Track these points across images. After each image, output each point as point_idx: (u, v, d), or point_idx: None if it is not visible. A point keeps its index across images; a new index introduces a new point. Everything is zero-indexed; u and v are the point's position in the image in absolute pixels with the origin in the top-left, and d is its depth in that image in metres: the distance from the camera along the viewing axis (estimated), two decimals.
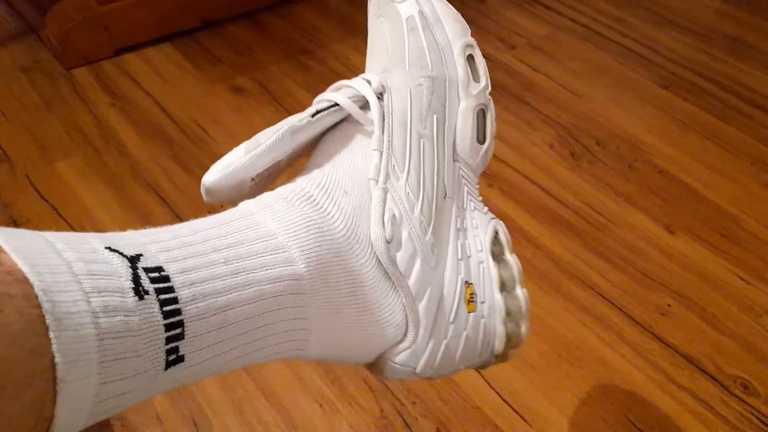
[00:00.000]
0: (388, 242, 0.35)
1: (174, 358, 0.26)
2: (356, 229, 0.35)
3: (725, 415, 0.78)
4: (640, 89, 1.29)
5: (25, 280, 0.22)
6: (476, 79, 0.44)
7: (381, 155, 0.38)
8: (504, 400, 0.78)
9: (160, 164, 1.05)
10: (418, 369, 0.38)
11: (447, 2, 0.45)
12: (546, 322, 0.87)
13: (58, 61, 1.24)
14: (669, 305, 0.90)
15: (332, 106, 0.39)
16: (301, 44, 1.35)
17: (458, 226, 0.41)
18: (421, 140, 0.39)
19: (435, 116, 0.40)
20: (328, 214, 0.34)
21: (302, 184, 0.36)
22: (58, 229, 0.93)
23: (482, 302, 0.40)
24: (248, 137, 1.19)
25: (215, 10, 1.37)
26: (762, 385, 0.81)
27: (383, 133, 0.38)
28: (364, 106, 0.40)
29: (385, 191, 0.37)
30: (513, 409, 0.77)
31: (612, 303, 0.89)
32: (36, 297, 0.22)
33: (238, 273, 0.29)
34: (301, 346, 0.33)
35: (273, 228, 0.32)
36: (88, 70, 1.24)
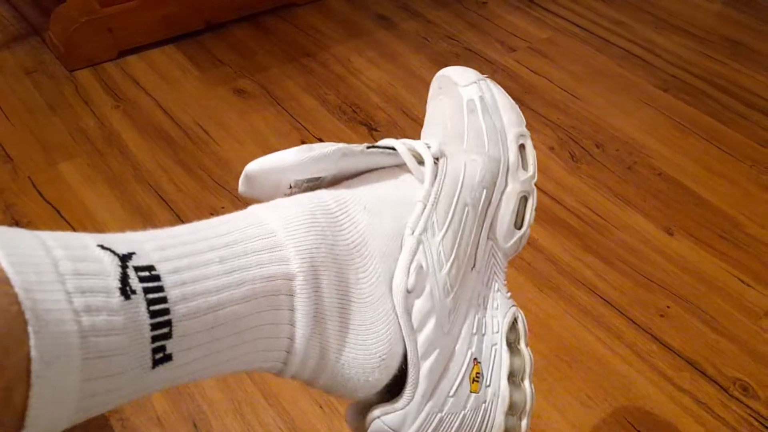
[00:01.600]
0: (408, 291, 0.35)
1: (161, 357, 0.26)
2: (366, 246, 0.35)
3: (724, 417, 0.78)
4: (639, 92, 1.30)
5: (6, 280, 0.22)
6: (525, 167, 0.45)
7: (425, 207, 0.38)
8: None
9: (163, 166, 1.06)
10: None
11: (506, 93, 0.47)
12: (546, 323, 0.87)
13: (62, 63, 1.25)
14: (668, 307, 0.90)
15: (388, 148, 0.39)
16: (303, 47, 1.35)
17: (479, 301, 0.41)
18: (466, 208, 0.40)
19: (485, 191, 0.41)
20: (336, 222, 0.34)
21: (322, 194, 0.36)
22: (60, 229, 0.94)
23: (487, 386, 0.39)
24: (250, 139, 1.19)
25: (218, 13, 1.38)
26: (761, 387, 0.82)
27: (432, 186, 0.39)
28: (419, 162, 0.40)
29: (419, 242, 0.37)
30: None
31: (611, 305, 0.90)
32: (16, 296, 0.22)
33: (232, 272, 0.29)
34: (285, 358, 0.32)
35: (274, 226, 0.32)
36: (91, 72, 1.24)
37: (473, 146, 0.43)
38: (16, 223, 0.95)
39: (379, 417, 0.36)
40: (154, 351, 0.26)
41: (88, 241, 0.26)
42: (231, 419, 0.75)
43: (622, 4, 1.57)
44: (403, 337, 0.36)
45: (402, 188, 0.39)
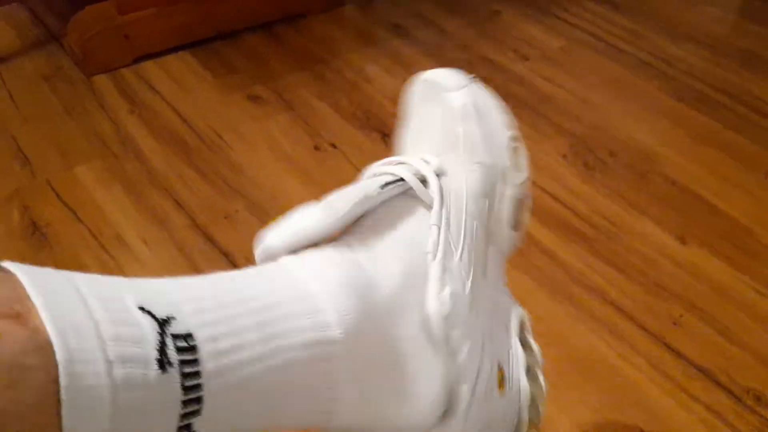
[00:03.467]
0: (445, 318, 0.35)
1: None
2: (402, 297, 0.34)
3: (737, 426, 0.78)
4: (653, 101, 1.30)
5: (48, 346, 0.21)
6: (519, 169, 0.45)
7: (439, 231, 0.38)
8: None
9: (177, 170, 1.07)
10: None
11: (493, 95, 0.47)
12: (558, 331, 0.87)
13: (79, 69, 1.27)
14: (681, 316, 0.90)
15: (397, 180, 0.39)
16: (316, 54, 1.36)
17: (494, 307, 0.41)
18: (474, 221, 0.40)
19: (487, 201, 0.42)
20: (372, 279, 0.34)
21: (349, 245, 0.35)
22: (77, 232, 0.95)
23: (511, 387, 0.40)
24: (264, 144, 1.20)
25: (232, 21, 1.40)
26: None
27: (442, 209, 0.39)
28: (424, 182, 0.40)
29: (444, 267, 0.37)
30: None
31: (624, 313, 0.89)
32: (55, 367, 0.21)
33: (269, 340, 0.28)
34: (327, 417, 0.32)
35: (313, 288, 0.31)
36: (108, 78, 1.26)
37: (469, 155, 0.43)
38: (35, 225, 0.96)
39: None
40: (180, 429, 0.25)
41: (128, 301, 0.25)
42: None
43: (636, 13, 1.57)
44: (444, 373, 0.36)
45: (413, 217, 0.38)
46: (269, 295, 0.30)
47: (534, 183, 1.08)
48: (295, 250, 0.34)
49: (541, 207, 1.04)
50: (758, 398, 0.81)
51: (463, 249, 0.38)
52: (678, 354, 0.85)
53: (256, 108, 1.21)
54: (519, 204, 0.44)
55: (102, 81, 1.25)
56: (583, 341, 0.86)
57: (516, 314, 0.43)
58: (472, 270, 0.38)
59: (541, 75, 1.34)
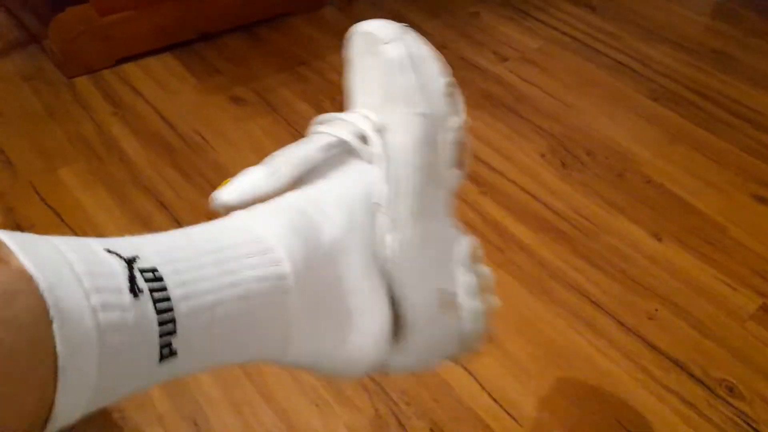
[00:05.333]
0: (392, 261, 0.40)
1: (168, 352, 0.28)
2: (346, 241, 0.38)
3: (711, 417, 0.80)
4: (629, 101, 1.32)
5: (31, 279, 0.24)
6: (456, 114, 0.48)
7: (386, 186, 0.41)
8: (496, 401, 0.80)
9: (161, 171, 1.07)
10: (403, 364, 0.43)
11: (427, 42, 0.49)
12: (537, 326, 0.89)
13: (60, 70, 1.26)
14: (656, 310, 0.92)
15: (339, 140, 0.42)
16: (298, 56, 1.37)
17: (441, 240, 0.45)
18: (418, 172, 0.43)
19: (429, 149, 0.44)
20: (317, 224, 0.37)
21: (296, 198, 0.39)
22: (61, 233, 0.95)
23: (461, 308, 0.45)
24: (247, 145, 1.20)
25: (214, 23, 1.40)
26: (747, 388, 0.84)
27: (388, 164, 0.42)
28: (364, 139, 0.43)
29: (390, 217, 0.41)
30: (505, 410, 0.79)
31: (601, 308, 0.92)
32: (41, 293, 0.24)
33: (226, 273, 0.31)
34: (283, 348, 0.35)
35: (262, 233, 0.34)
36: (90, 79, 1.26)
37: (408, 106, 0.45)
38: (19, 226, 0.96)
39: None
40: (162, 347, 0.28)
41: (94, 246, 0.28)
42: (230, 418, 0.76)
43: (613, 15, 1.60)
44: (388, 311, 0.40)
45: (359, 173, 0.42)
46: (223, 239, 0.33)
47: (513, 182, 1.10)
48: (244, 205, 0.38)
49: (519, 205, 1.06)
50: (731, 389, 0.84)
51: (407, 197, 0.42)
52: (653, 347, 0.88)
53: (239, 109, 1.22)
54: (459, 146, 0.47)
55: (83, 83, 1.25)
56: (561, 336, 0.88)
57: (464, 244, 0.46)
58: (418, 215, 0.42)
59: (519, 76, 1.37)
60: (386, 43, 0.47)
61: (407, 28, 0.49)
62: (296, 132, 1.17)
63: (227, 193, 0.39)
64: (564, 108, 1.29)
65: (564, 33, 1.52)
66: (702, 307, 0.93)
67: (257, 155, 1.12)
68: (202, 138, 1.15)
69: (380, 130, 0.43)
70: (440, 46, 1.56)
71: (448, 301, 0.44)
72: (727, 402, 0.82)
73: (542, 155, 1.17)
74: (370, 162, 0.42)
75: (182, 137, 1.14)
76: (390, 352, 0.41)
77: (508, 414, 0.79)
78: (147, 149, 1.11)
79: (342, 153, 0.42)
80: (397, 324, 0.41)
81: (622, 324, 0.90)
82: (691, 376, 0.85)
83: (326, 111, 1.23)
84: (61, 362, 0.24)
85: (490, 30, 1.50)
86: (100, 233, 0.96)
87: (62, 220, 0.98)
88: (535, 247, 0.99)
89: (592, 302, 0.92)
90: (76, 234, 0.96)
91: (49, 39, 1.27)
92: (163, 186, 1.05)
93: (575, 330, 0.89)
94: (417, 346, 0.42)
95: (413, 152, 0.43)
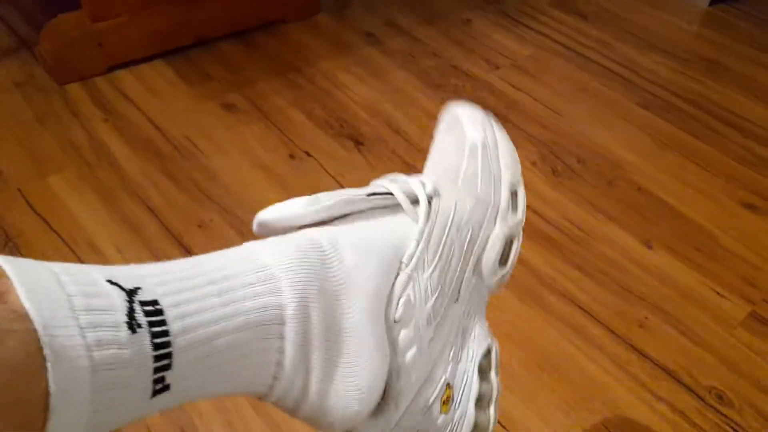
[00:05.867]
0: (395, 321, 0.39)
1: (160, 387, 0.28)
2: (352, 284, 0.37)
3: (700, 425, 0.81)
4: (620, 109, 1.33)
5: (26, 317, 0.24)
6: (515, 211, 0.48)
7: (418, 245, 0.41)
8: None
9: (151, 178, 1.07)
10: None
11: (508, 139, 0.50)
12: (527, 333, 0.89)
13: (52, 77, 1.26)
14: (647, 318, 0.92)
15: (387, 193, 0.42)
16: (290, 63, 1.37)
17: (459, 332, 0.44)
18: (453, 246, 0.43)
19: (471, 230, 0.45)
20: (326, 260, 0.36)
21: (315, 233, 0.38)
22: (50, 241, 0.95)
23: (456, 408, 0.43)
24: (238, 152, 1.20)
25: (206, 29, 1.40)
26: (736, 395, 0.84)
27: (426, 226, 0.42)
28: (414, 201, 0.43)
29: (410, 278, 0.40)
30: None
31: (591, 315, 0.92)
32: (36, 331, 0.24)
33: (228, 304, 0.31)
34: (271, 384, 0.34)
35: (268, 260, 0.34)
36: (81, 86, 1.26)
37: (466, 187, 0.46)
38: (6, 234, 0.95)
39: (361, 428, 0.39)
40: (155, 382, 0.28)
41: (97, 276, 0.28)
42: (220, 429, 0.76)
43: (604, 23, 1.61)
44: (384, 372, 0.38)
45: (393, 228, 0.41)
46: (229, 268, 0.33)
47: None
48: (283, 228, 0.38)
49: None
50: (720, 397, 0.84)
51: (435, 268, 0.41)
52: (643, 355, 0.88)
53: (231, 116, 1.22)
54: (509, 242, 0.47)
55: (75, 89, 1.25)
56: (552, 343, 0.88)
57: (485, 344, 0.45)
58: (440, 289, 0.41)
59: (511, 83, 1.37)
60: (470, 128, 0.49)
61: (493, 119, 0.50)
62: (288, 139, 1.17)
63: (266, 212, 0.39)
64: (555, 116, 1.29)
65: (555, 41, 1.53)
66: (692, 314, 0.93)
67: (248, 162, 1.12)
68: (193, 145, 1.14)
69: (432, 195, 0.43)
70: (433, 54, 1.56)
71: (447, 396, 0.42)
72: (717, 410, 0.82)
73: (533, 163, 1.17)
74: (413, 222, 0.42)
75: (173, 144, 1.14)
76: (368, 418, 0.39)
77: (498, 422, 0.79)
78: (137, 156, 1.11)
79: (389, 206, 0.42)
80: (384, 395, 0.39)
81: (612, 331, 0.90)
82: (681, 383, 0.85)
83: (318, 118, 1.24)
84: (52, 402, 0.24)
85: (482, 37, 1.51)
86: (89, 241, 0.96)
87: (51, 227, 0.97)
88: (526, 255, 0.99)
89: (583, 310, 0.93)
90: (64, 242, 0.95)
91: (41, 45, 1.27)
92: (153, 192, 1.04)
93: (565, 338, 0.89)
94: (392, 425, 0.40)
95: (455, 227, 0.43)
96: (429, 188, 0.43)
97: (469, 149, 0.48)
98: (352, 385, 0.37)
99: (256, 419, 0.77)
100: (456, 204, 0.44)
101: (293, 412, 0.36)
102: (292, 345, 0.34)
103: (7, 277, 0.25)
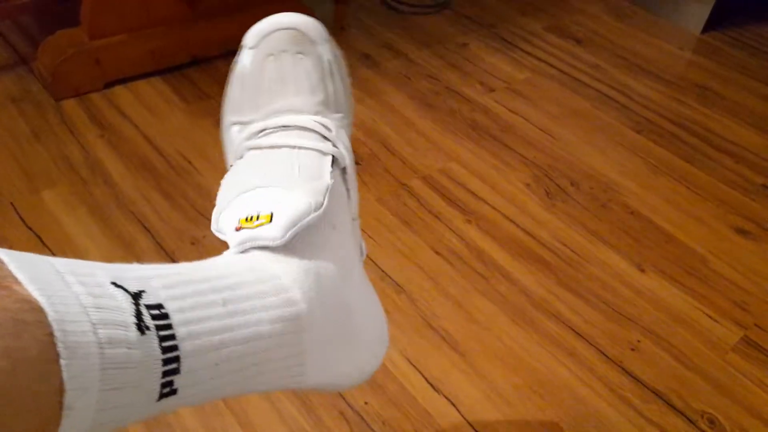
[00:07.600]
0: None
1: (168, 391, 0.28)
2: (345, 264, 0.39)
3: None
4: (614, 133, 1.34)
5: (39, 309, 0.23)
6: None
7: (349, 195, 0.45)
8: (477, 431, 0.80)
9: (145, 195, 1.07)
10: None
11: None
12: (519, 355, 0.89)
13: (48, 93, 1.27)
14: (639, 341, 0.92)
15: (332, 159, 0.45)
16: None
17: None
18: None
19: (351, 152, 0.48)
20: (325, 259, 0.37)
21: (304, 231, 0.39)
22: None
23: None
24: None
25: (204, 48, 1.41)
26: (728, 420, 0.84)
27: (353, 174, 0.46)
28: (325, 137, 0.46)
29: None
30: None
31: (584, 338, 0.92)
32: (49, 325, 0.23)
33: (236, 314, 0.31)
34: (298, 379, 0.35)
35: (277, 271, 0.34)
36: (77, 102, 1.26)
37: (333, 109, 0.49)
38: None
39: None
40: (163, 385, 0.27)
41: (101, 277, 0.27)
42: None
43: (598, 48, 1.63)
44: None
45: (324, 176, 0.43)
46: (235, 277, 0.32)
47: (498, 210, 1.11)
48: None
49: (504, 234, 1.06)
50: (712, 422, 0.83)
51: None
52: (635, 378, 0.88)
53: None
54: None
55: (71, 105, 1.25)
56: (543, 365, 0.88)
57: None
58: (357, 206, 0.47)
59: (505, 106, 1.38)
60: (320, 44, 0.50)
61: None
62: None
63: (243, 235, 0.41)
64: (549, 138, 1.30)
65: (550, 65, 1.54)
66: (684, 338, 0.93)
67: None
68: (188, 162, 1.15)
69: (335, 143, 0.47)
70: (428, 76, 1.57)
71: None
72: None
73: (527, 185, 1.18)
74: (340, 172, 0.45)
75: (168, 161, 1.14)
76: None
77: None
78: (132, 172, 1.11)
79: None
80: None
81: (604, 354, 0.90)
82: (673, 407, 0.85)
83: None
84: (67, 401, 0.23)
85: (477, 61, 1.52)
86: (81, 256, 0.95)
87: (43, 242, 0.97)
88: (518, 276, 0.99)
89: (575, 332, 0.92)
90: (55, 256, 0.95)
91: (39, 60, 1.28)
92: (148, 210, 1.04)
93: (557, 359, 0.89)
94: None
95: (349, 158, 0.47)
96: (333, 133, 0.47)
97: (327, 69, 0.49)
98: (373, 349, 0.41)
99: None
100: (345, 141, 0.49)
101: (324, 390, 0.39)
102: (311, 347, 0.34)
103: (7, 268, 0.24)
